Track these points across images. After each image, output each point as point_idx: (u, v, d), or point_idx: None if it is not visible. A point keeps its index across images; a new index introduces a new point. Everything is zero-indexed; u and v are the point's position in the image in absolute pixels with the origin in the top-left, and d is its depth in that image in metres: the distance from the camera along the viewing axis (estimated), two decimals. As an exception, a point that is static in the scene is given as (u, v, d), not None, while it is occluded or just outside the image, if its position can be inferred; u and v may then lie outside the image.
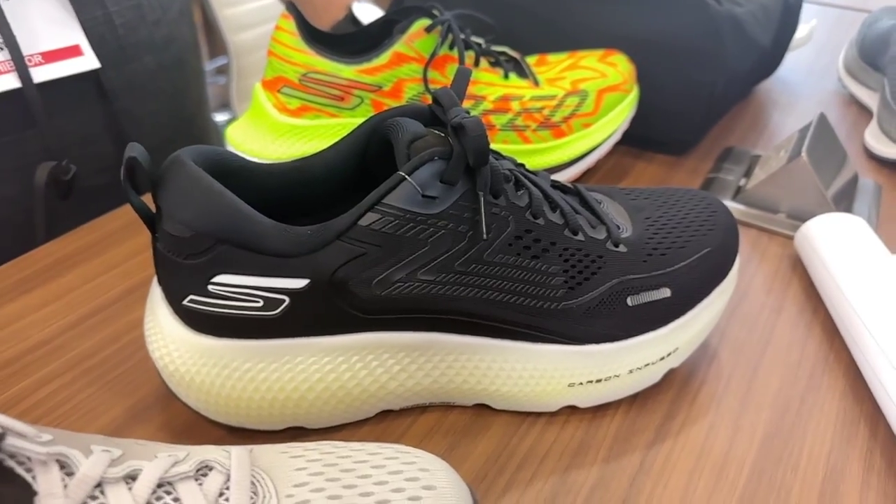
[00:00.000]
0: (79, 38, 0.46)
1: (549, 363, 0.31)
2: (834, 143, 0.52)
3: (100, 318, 0.37)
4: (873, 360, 0.34)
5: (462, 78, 0.31)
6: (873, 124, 0.59)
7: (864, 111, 0.65)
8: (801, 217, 0.47)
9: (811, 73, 0.74)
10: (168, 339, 0.29)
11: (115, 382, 0.34)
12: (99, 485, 0.20)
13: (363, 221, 0.27)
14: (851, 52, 0.69)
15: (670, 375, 0.35)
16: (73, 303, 0.38)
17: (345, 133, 0.45)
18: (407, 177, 0.27)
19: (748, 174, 0.53)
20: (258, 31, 1.08)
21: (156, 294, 0.30)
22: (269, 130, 0.45)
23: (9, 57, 0.42)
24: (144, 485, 0.20)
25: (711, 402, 0.34)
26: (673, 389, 0.34)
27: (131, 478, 0.20)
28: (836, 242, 0.41)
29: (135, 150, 0.27)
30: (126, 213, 0.46)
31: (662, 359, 0.33)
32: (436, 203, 0.28)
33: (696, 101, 0.53)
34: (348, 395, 0.30)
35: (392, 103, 0.45)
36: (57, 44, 0.45)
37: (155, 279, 0.30)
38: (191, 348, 0.29)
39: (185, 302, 0.28)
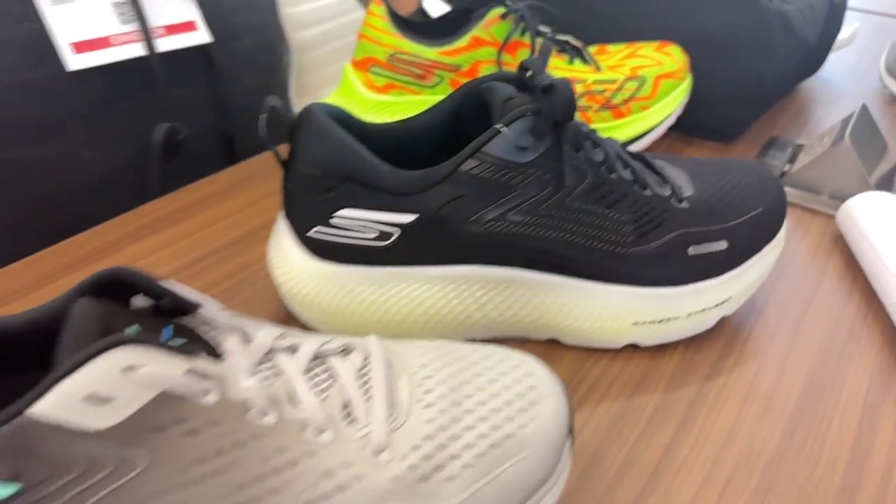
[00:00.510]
0: (195, 15, 0.51)
1: (617, 303, 0.35)
2: (875, 132, 0.55)
3: (219, 257, 0.43)
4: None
5: (545, 52, 0.35)
6: (914, 120, 0.63)
7: (905, 109, 0.68)
8: (842, 198, 0.51)
9: (853, 72, 0.77)
10: (293, 265, 0.34)
11: (234, 309, 0.39)
12: (269, 352, 0.24)
13: (464, 167, 0.32)
14: (893, 54, 0.72)
15: (723, 322, 0.39)
16: (192, 244, 0.44)
17: (425, 108, 0.50)
18: (503, 128, 0.32)
19: (792, 161, 0.57)
20: (319, 30, 1.14)
21: (282, 228, 0.35)
22: (358, 106, 0.50)
23: (138, 28, 0.48)
24: (304, 355, 0.25)
25: (759, 348, 0.38)
26: (725, 335, 0.38)
27: (293, 350, 0.25)
28: (876, 216, 0.44)
29: (274, 101, 0.32)
30: (226, 175, 0.52)
31: (717, 305, 0.37)
32: (526, 153, 0.32)
33: (745, 91, 0.57)
34: (441, 321, 0.35)
35: (469, 83, 0.49)
36: (176, 19, 0.50)
37: (280, 215, 0.35)
38: (314, 273, 0.34)
39: (310, 233, 0.33)
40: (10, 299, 0.40)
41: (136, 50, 0.49)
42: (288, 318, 0.38)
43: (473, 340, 0.37)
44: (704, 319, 0.37)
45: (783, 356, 0.37)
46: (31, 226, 0.50)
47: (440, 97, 0.50)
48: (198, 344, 0.24)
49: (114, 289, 0.24)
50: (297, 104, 1.38)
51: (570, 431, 0.26)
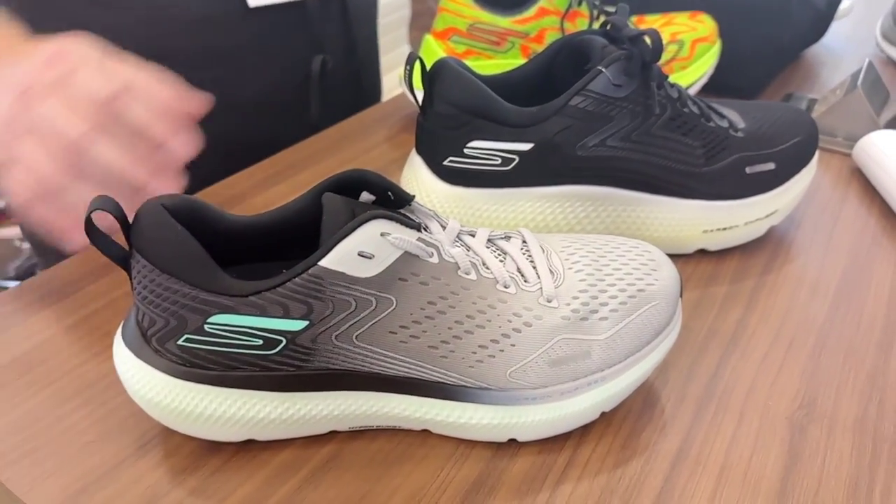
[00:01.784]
0: None
1: (691, 213, 0.43)
2: (879, 83, 0.64)
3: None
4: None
5: (623, 11, 0.43)
6: (910, 75, 0.71)
7: (901, 68, 0.77)
8: (855, 139, 0.59)
9: (851, 40, 0.86)
10: (430, 189, 0.42)
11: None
12: (459, 233, 0.32)
13: (573, 101, 0.40)
14: (888, 21, 0.81)
15: (771, 232, 0.47)
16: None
17: (500, 70, 0.57)
18: (604, 70, 0.40)
19: (808, 111, 0.66)
20: (386, 21, 1.27)
21: (416, 160, 0.43)
22: (439, 70, 0.58)
23: None
24: (481, 237, 0.33)
25: (801, 251, 0.46)
26: (774, 241, 0.47)
27: (472, 234, 0.33)
28: (887, 149, 0.53)
29: (416, 54, 0.39)
30: (327, 135, 0.60)
31: (768, 216, 0.45)
32: (621, 89, 0.40)
33: (767, 51, 0.65)
34: (549, 232, 0.43)
35: (537, 47, 0.57)
36: None
37: (413, 151, 0.43)
38: (448, 195, 0.41)
39: (444, 163, 0.41)
40: (234, 202, 0.51)
41: None
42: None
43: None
44: (758, 227, 0.45)
45: (821, 257, 0.46)
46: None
47: (512, 60, 0.58)
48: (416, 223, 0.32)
49: (343, 188, 0.31)
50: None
51: (681, 293, 0.34)
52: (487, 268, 0.31)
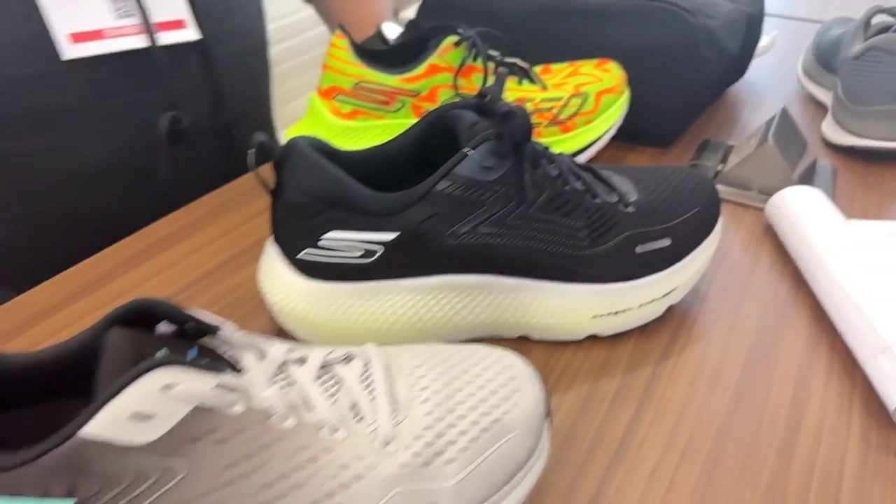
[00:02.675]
0: (185, 14, 0.55)
1: (577, 298, 0.40)
2: (795, 132, 0.61)
3: (210, 280, 0.46)
4: (832, 294, 0.43)
5: (500, 80, 0.40)
6: (828, 117, 0.69)
7: (821, 107, 0.75)
8: (769, 193, 0.56)
9: (774, 75, 0.84)
10: (285, 285, 0.37)
11: (228, 331, 0.42)
12: (282, 364, 0.28)
13: (438, 187, 0.36)
14: (808, 57, 0.80)
15: (671, 310, 0.44)
16: (185, 269, 0.47)
17: (390, 131, 0.53)
18: (470, 151, 0.36)
19: (724, 161, 0.63)
20: (292, 42, 1.19)
21: (271, 252, 0.38)
22: (326, 132, 0.53)
23: (141, 21, 0.51)
24: (313, 365, 0.28)
25: (705, 330, 0.43)
26: (674, 321, 0.43)
27: (302, 361, 0.28)
28: (800, 208, 0.50)
29: (262, 136, 0.35)
30: (213, 198, 0.55)
31: (664, 296, 0.41)
32: (491, 172, 0.36)
33: (678, 100, 0.62)
34: (424, 327, 0.38)
35: (429, 106, 0.53)
36: (169, 17, 0.54)
37: (269, 240, 0.38)
38: (305, 292, 0.37)
39: (300, 255, 0.36)
40: (14, 335, 0.41)
41: (141, 41, 0.52)
42: (280, 334, 0.41)
43: (454, 342, 0.41)
44: (654, 308, 0.42)
45: (726, 336, 0.42)
46: (29, 214, 0.52)
47: (403, 121, 0.54)
48: (220, 362, 0.27)
49: (138, 318, 0.27)
50: (278, 113, 1.41)
51: (548, 413, 0.30)
52: (312, 409, 0.27)
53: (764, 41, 0.79)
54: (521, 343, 0.41)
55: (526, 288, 0.39)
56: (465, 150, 0.36)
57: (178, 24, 0.55)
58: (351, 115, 0.53)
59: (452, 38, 0.53)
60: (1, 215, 0.51)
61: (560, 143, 0.56)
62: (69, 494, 0.23)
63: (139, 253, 0.49)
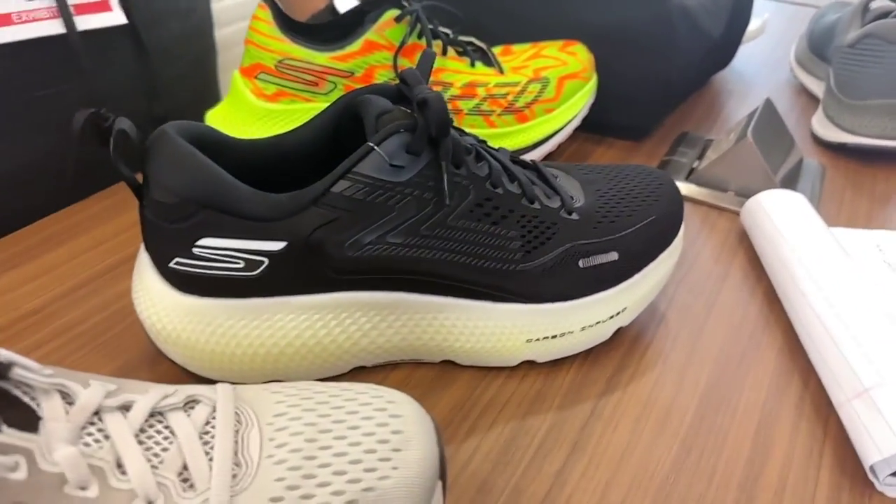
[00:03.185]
0: None
1: (508, 320, 0.34)
2: (781, 128, 0.55)
3: (88, 290, 0.39)
4: (807, 322, 0.37)
5: (426, 60, 0.33)
6: (819, 111, 0.63)
7: (813, 99, 0.69)
8: (748, 195, 0.51)
9: (765, 64, 0.78)
10: (156, 299, 0.31)
11: (103, 346, 0.36)
12: (97, 412, 0.22)
13: (336, 188, 0.30)
14: (802, 45, 0.73)
15: (620, 334, 0.38)
16: (62, 276, 0.40)
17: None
18: (375, 147, 0.30)
19: (701, 157, 0.57)
20: (242, 26, 1.11)
21: (143, 259, 0.32)
22: (247, 115, 0.47)
23: (53, 3, 0.44)
24: (138, 414, 0.22)
25: (658, 358, 0.37)
26: (623, 346, 0.37)
27: (126, 408, 0.23)
28: (777, 216, 0.44)
29: (123, 123, 0.29)
30: (110, 194, 0.48)
31: (612, 317, 0.36)
32: (402, 172, 0.30)
33: (651, 88, 0.56)
34: (324, 350, 0.33)
35: (364, 88, 0.47)
36: None
37: (142, 246, 0.32)
38: (177, 307, 0.31)
39: (171, 264, 0.31)
40: None
41: (55, 27, 0.45)
42: (159, 355, 0.35)
43: (363, 368, 0.35)
44: (600, 332, 0.36)
45: (682, 366, 0.37)
46: None
47: (335, 104, 0.48)
48: (15, 410, 0.21)
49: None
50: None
51: (443, 476, 0.25)
52: (124, 473, 0.21)
53: (753, 25, 0.73)
54: (446, 368, 0.36)
55: (448, 307, 0.33)
56: (370, 143, 0.30)
57: (100, 7, 0.49)
58: (275, 97, 0.47)
59: (393, 12, 0.47)
60: None
61: (515, 135, 0.50)
62: None
63: (15, 255, 0.42)
